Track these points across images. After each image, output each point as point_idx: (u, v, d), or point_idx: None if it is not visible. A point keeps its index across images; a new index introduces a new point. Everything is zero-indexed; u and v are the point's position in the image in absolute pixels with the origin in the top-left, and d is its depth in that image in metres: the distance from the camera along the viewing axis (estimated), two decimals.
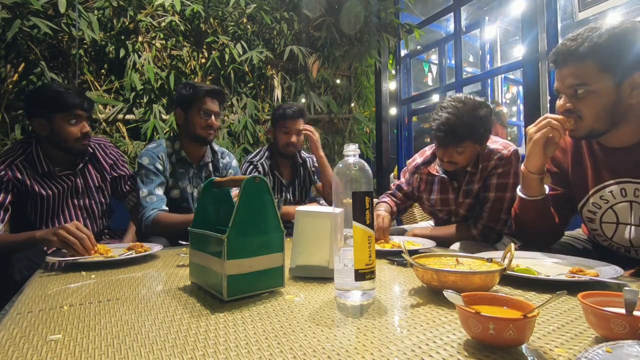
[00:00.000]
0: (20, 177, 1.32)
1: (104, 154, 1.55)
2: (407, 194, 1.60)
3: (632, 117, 0.93)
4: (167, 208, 1.52)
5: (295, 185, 2.00)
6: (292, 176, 2.00)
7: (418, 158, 1.56)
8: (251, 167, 1.87)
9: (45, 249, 1.27)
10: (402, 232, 1.57)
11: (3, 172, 1.29)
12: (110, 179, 1.56)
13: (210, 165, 1.74)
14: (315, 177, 2.05)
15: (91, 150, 1.50)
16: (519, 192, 1.10)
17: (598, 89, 0.90)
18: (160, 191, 1.55)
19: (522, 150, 1.39)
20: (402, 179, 1.62)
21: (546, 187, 1.06)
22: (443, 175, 1.42)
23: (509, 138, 5.12)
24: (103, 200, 1.54)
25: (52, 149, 1.38)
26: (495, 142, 1.37)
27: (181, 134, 1.67)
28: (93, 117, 2.47)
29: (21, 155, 1.35)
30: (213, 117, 1.61)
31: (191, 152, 1.67)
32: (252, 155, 1.95)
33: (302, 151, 2.06)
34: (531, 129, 1.02)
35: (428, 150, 1.55)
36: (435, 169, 1.46)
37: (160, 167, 1.58)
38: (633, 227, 0.99)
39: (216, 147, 1.79)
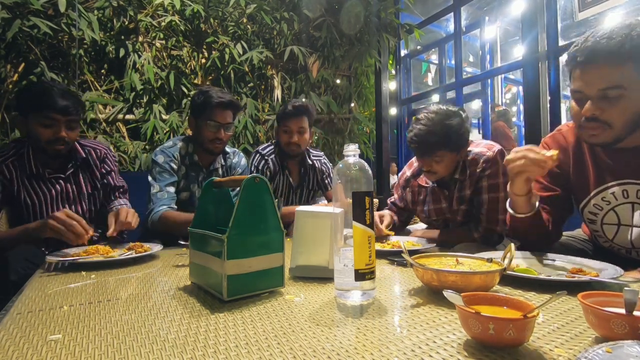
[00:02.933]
0: (9, 177, 1.30)
1: (97, 161, 1.49)
2: (402, 209, 1.61)
3: None
4: (176, 207, 1.52)
5: (304, 189, 1.94)
6: (300, 178, 1.92)
7: (407, 171, 1.58)
8: (262, 161, 1.80)
9: (43, 249, 1.27)
10: (407, 233, 1.57)
11: None
12: (101, 186, 1.50)
13: (220, 170, 1.71)
14: (327, 183, 1.95)
15: (84, 155, 1.45)
16: (508, 208, 1.06)
17: (634, 94, 0.83)
18: (171, 189, 1.54)
19: None
20: (396, 195, 1.63)
21: (536, 204, 1.01)
22: (434, 185, 1.44)
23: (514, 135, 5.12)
24: (93, 208, 1.49)
25: (38, 150, 1.35)
26: (479, 145, 1.37)
27: (194, 139, 1.65)
28: (92, 117, 2.47)
29: (13, 155, 1.32)
30: (222, 129, 1.57)
31: (202, 157, 1.65)
32: (263, 146, 1.87)
33: (312, 151, 1.96)
34: (509, 157, 0.95)
35: (415, 162, 1.56)
36: (424, 180, 1.48)
37: (174, 166, 1.57)
38: (634, 229, 0.98)
39: (227, 148, 1.76)
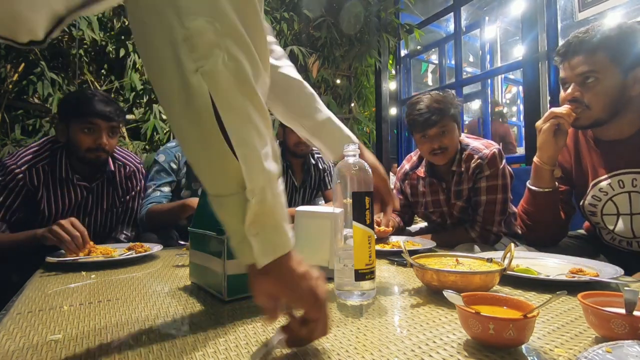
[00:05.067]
0: (36, 184, 1.28)
1: (123, 179, 1.46)
2: (404, 207, 1.61)
3: (630, 109, 0.99)
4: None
5: (306, 188, 1.94)
6: (303, 178, 1.92)
7: (406, 164, 1.59)
8: None
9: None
10: (407, 233, 1.58)
11: (21, 174, 1.25)
12: (123, 202, 1.49)
13: None
14: (327, 182, 1.96)
15: (112, 169, 1.42)
16: (529, 185, 1.12)
17: (607, 79, 0.96)
18: (166, 188, 1.56)
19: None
20: (395, 191, 1.63)
21: (555, 183, 1.10)
22: (431, 178, 1.45)
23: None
24: (108, 223, 1.48)
25: (73, 155, 1.34)
26: (477, 140, 1.39)
27: None
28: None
29: (47, 157, 1.30)
30: None
31: None
32: None
33: (314, 149, 1.93)
34: (539, 122, 1.07)
35: (414, 156, 1.57)
36: (422, 171, 1.48)
37: (174, 166, 1.59)
38: (633, 217, 1.02)
39: None
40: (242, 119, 0.40)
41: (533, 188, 1.10)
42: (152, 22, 0.37)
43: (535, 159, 1.09)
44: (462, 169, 1.35)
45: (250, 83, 0.40)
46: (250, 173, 0.40)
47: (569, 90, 1.01)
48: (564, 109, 1.02)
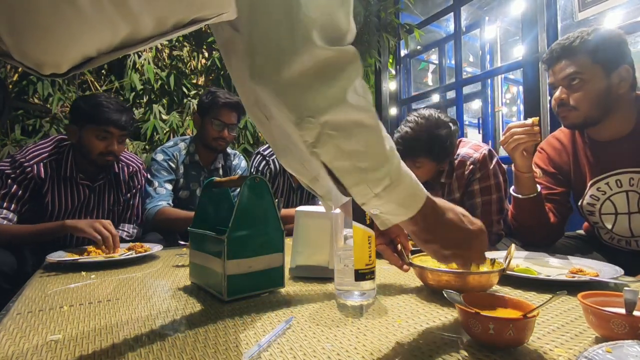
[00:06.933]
0: (43, 177, 1.31)
1: (127, 177, 1.50)
2: None
3: (621, 108, 1.01)
4: (172, 204, 1.54)
5: (304, 189, 1.95)
6: None
7: None
8: (263, 162, 1.78)
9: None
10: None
11: (29, 168, 1.29)
12: (124, 201, 1.52)
13: (220, 170, 1.75)
14: None
15: (116, 171, 1.47)
16: (512, 193, 1.14)
17: (591, 79, 0.99)
18: (169, 186, 1.57)
19: None
20: None
21: (537, 187, 1.11)
22: (423, 185, 1.45)
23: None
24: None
25: (80, 156, 1.38)
26: (466, 146, 1.37)
27: (197, 137, 1.69)
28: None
29: (54, 154, 1.35)
30: (226, 129, 1.62)
31: (204, 156, 1.69)
32: (264, 147, 1.85)
33: None
34: (503, 144, 1.09)
35: None
36: None
37: (173, 165, 1.61)
38: (631, 216, 1.03)
39: (229, 150, 1.81)
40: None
41: (516, 195, 1.13)
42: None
43: (513, 168, 1.11)
44: (452, 179, 1.35)
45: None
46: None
47: (557, 94, 1.04)
48: (521, 125, 1.03)
